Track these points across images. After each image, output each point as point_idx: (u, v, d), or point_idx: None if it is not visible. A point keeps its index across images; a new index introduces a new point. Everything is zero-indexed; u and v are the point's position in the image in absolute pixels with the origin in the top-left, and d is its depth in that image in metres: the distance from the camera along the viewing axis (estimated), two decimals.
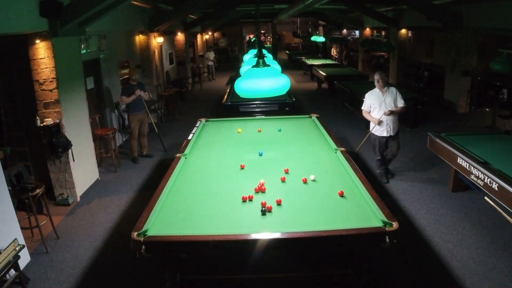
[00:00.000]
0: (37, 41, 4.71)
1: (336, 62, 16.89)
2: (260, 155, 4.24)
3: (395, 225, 2.64)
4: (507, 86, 8.35)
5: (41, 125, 4.83)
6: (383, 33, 16.26)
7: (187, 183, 3.59)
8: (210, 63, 18.10)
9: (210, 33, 21.62)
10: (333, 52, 17.66)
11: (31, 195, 4.03)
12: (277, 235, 2.61)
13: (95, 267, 3.82)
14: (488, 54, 9.29)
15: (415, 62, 13.37)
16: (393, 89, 5.32)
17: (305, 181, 3.47)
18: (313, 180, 3.52)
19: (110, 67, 7.38)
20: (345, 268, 2.96)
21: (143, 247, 2.54)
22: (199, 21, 14.04)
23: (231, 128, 5.50)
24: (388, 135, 5.34)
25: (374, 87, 5.41)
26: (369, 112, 5.41)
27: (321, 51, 22.58)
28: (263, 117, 6.54)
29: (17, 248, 3.30)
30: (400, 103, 5.27)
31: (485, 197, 3.98)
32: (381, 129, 5.36)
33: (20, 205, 4.18)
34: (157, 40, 10.14)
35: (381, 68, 15.89)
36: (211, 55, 18.20)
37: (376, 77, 5.30)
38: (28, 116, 5.11)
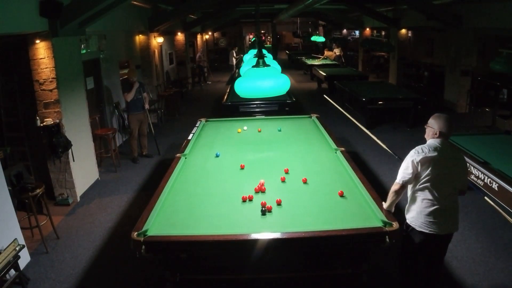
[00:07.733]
0: (37, 41, 4.71)
1: (336, 62, 16.83)
2: (217, 156, 4.23)
3: (395, 225, 2.65)
4: (507, 86, 8.35)
5: (41, 125, 4.83)
6: (383, 33, 16.25)
7: (187, 183, 3.59)
8: (235, 61, 15.56)
9: (210, 33, 21.59)
10: (335, 52, 17.27)
11: (31, 195, 4.03)
12: (277, 235, 2.61)
13: (95, 267, 3.82)
14: (488, 54, 9.29)
15: (415, 62, 13.36)
16: None
17: (305, 181, 3.47)
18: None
19: (110, 67, 7.38)
20: (345, 268, 2.96)
21: (143, 247, 2.55)
22: (199, 21, 14.03)
23: (231, 128, 5.50)
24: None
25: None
26: None
27: (321, 51, 22.57)
28: (263, 117, 6.54)
29: (17, 248, 3.30)
30: None
31: (485, 197, 3.97)
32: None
33: (20, 205, 4.18)
34: (157, 40, 10.13)
35: (381, 68, 15.86)
36: (236, 53, 15.63)
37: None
38: (28, 116, 5.11)
